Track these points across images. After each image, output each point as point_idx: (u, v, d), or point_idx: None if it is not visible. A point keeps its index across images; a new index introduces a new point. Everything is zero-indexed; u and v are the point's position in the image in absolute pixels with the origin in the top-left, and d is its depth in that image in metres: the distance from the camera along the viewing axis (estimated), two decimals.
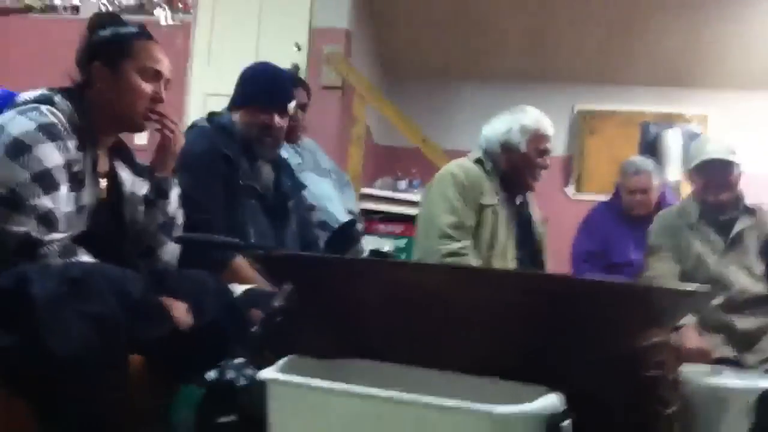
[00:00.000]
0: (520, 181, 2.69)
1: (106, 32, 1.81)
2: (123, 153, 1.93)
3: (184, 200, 2.06)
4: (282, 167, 2.53)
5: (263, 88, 2.37)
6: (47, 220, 1.56)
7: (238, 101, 2.40)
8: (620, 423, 0.98)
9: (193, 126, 2.43)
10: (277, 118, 2.36)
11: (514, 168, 2.69)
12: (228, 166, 2.26)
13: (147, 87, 1.79)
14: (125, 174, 1.90)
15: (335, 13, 4.54)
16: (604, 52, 5.29)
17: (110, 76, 1.77)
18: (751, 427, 0.99)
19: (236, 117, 2.37)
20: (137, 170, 1.95)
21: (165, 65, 1.83)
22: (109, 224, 1.82)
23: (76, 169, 1.68)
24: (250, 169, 2.35)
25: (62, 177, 1.62)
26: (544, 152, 2.70)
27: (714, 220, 2.85)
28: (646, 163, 3.76)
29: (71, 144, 1.66)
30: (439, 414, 0.77)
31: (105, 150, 1.84)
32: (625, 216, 3.72)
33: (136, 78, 1.78)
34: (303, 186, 2.71)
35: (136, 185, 1.91)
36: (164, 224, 1.88)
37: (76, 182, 1.68)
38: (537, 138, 2.68)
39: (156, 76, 1.81)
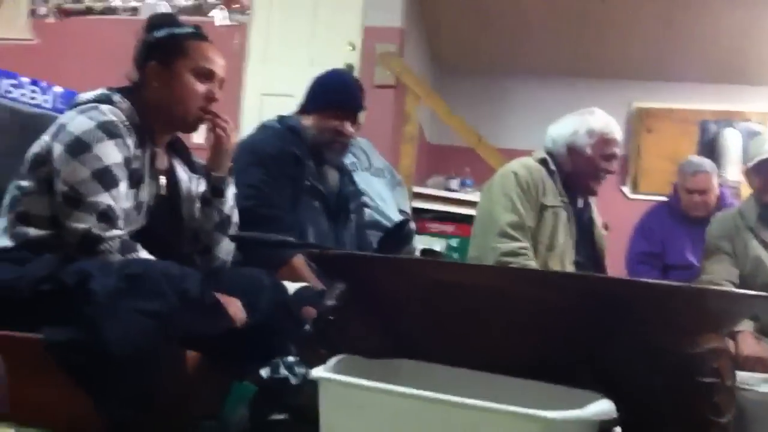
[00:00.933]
0: (584, 184, 2.65)
1: (161, 32, 1.84)
2: (180, 151, 1.97)
3: (256, 194, 2.12)
4: (344, 172, 2.58)
5: (338, 95, 2.42)
6: (107, 217, 1.60)
7: (311, 106, 2.44)
8: (672, 431, 0.96)
9: (263, 126, 2.49)
10: (348, 125, 2.40)
11: (578, 171, 2.65)
12: (296, 166, 2.32)
13: (200, 87, 1.81)
14: (182, 172, 1.94)
15: (388, 12, 4.55)
16: (660, 48, 5.19)
17: (165, 75, 1.80)
18: None
19: (307, 121, 2.42)
20: (194, 168, 1.98)
21: (219, 65, 1.86)
22: (167, 221, 1.86)
23: (135, 166, 1.72)
24: (316, 171, 2.40)
25: (122, 174, 1.66)
26: (611, 157, 2.64)
27: None
28: (705, 163, 3.68)
29: (130, 142, 1.70)
30: (490, 417, 0.77)
31: (163, 148, 1.88)
32: (683, 217, 3.65)
33: (190, 78, 1.80)
34: (362, 192, 2.75)
35: (193, 183, 1.95)
36: (220, 222, 1.91)
37: (135, 179, 1.72)
38: (604, 142, 2.63)
39: (210, 76, 1.83)
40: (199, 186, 1.95)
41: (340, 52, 4.53)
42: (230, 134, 1.90)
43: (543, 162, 2.65)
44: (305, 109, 2.45)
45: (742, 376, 1.27)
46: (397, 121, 4.43)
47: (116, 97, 1.75)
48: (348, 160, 3.09)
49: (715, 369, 0.97)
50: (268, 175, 2.23)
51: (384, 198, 3.11)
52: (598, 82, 5.46)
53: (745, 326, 2.60)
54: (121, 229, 1.63)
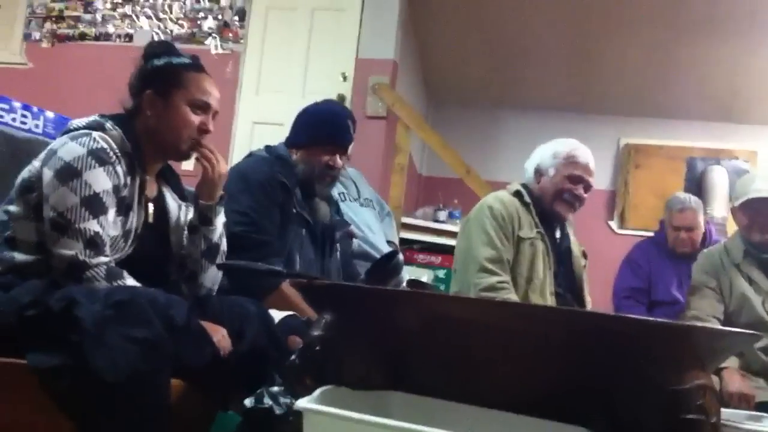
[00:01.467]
0: (551, 208, 2.66)
1: (159, 61, 1.85)
2: (170, 178, 1.97)
3: (246, 220, 2.13)
4: (330, 202, 2.58)
5: (328, 130, 2.42)
6: (94, 244, 1.60)
7: (300, 141, 2.44)
8: None
9: (251, 154, 2.50)
10: (337, 159, 2.41)
11: (544, 193, 2.67)
12: (284, 193, 2.32)
13: (195, 118, 1.82)
14: (171, 200, 1.94)
15: (382, 44, 4.60)
16: (650, 85, 5.26)
17: (161, 105, 1.81)
18: None
19: (296, 156, 2.42)
20: (183, 196, 1.99)
21: (214, 98, 1.87)
22: (155, 249, 1.86)
23: (124, 193, 1.72)
24: (303, 201, 2.40)
25: (110, 201, 1.66)
26: (576, 179, 2.65)
27: (760, 260, 2.80)
28: (691, 200, 3.71)
29: (120, 169, 1.70)
30: None
31: (153, 175, 1.89)
32: (670, 253, 3.67)
33: (185, 109, 1.81)
34: (347, 222, 2.76)
35: (181, 211, 1.95)
36: (207, 250, 1.91)
37: (124, 207, 1.72)
38: (568, 164, 2.65)
39: (205, 108, 1.84)
40: (188, 214, 1.95)
41: (332, 83, 4.57)
42: (216, 164, 1.90)
43: (517, 194, 2.68)
44: (294, 143, 2.45)
45: (726, 412, 1.27)
46: (388, 152, 4.46)
47: (108, 124, 1.75)
48: (337, 189, 3.09)
49: (700, 405, 0.97)
50: (257, 202, 2.24)
51: (372, 228, 3.12)
52: (589, 118, 5.52)
53: (731, 363, 2.61)
54: (107, 256, 1.62)
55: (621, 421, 0.97)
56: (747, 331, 1.12)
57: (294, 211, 2.33)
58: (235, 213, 2.17)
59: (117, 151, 1.71)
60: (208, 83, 1.87)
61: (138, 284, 1.63)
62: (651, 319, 1.13)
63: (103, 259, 1.60)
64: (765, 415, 1.58)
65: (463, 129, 5.69)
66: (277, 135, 2.64)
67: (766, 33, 4.59)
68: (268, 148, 2.50)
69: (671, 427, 0.96)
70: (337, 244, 2.52)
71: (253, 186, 2.26)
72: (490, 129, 5.81)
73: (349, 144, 2.48)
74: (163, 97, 1.81)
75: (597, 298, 3.44)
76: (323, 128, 2.42)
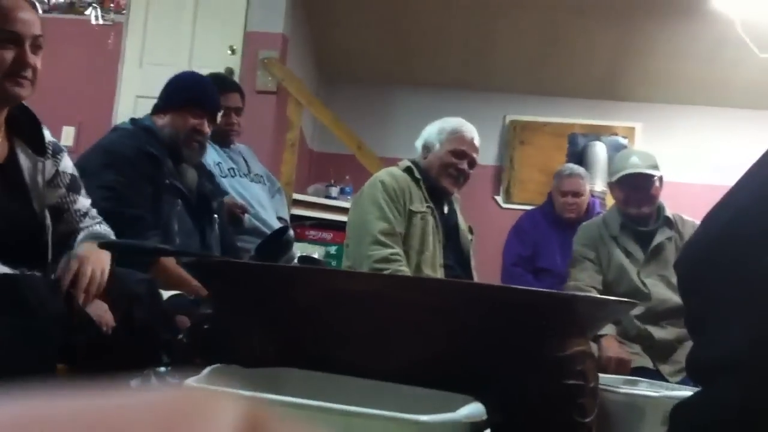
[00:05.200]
0: (437, 183, 2.74)
1: None
2: (24, 126, 1.72)
3: (113, 195, 2.07)
4: (203, 172, 2.57)
5: (197, 94, 2.42)
6: None
7: (166, 105, 2.42)
8: (540, 431, 1.00)
9: (115, 128, 2.45)
10: (205, 124, 2.40)
11: (430, 168, 2.74)
12: (153, 165, 2.28)
13: (6, 53, 1.59)
14: (25, 160, 1.72)
15: (271, 17, 4.52)
16: (536, 64, 5.41)
17: None
18: None
19: (162, 121, 2.40)
20: (42, 147, 1.74)
21: (25, 22, 1.62)
22: (15, 219, 1.67)
23: None
24: (174, 169, 2.37)
25: None
26: (461, 155, 2.74)
27: (635, 232, 2.94)
28: (580, 169, 3.90)
29: None
30: (366, 423, 0.78)
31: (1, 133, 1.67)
32: (556, 221, 3.83)
33: None
34: (224, 192, 2.76)
35: (38, 169, 1.73)
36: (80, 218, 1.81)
37: None
38: (453, 139, 2.74)
39: (15, 39, 1.60)
40: (46, 167, 1.73)
41: (220, 56, 4.46)
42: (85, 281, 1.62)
43: (408, 170, 2.74)
44: (160, 108, 2.43)
45: (604, 378, 1.33)
46: (279, 128, 4.41)
47: None
48: (227, 165, 3.05)
49: (580, 371, 1.02)
50: (124, 175, 2.18)
51: (263, 204, 3.09)
52: (477, 95, 5.63)
53: (609, 330, 2.74)
54: None
55: (507, 388, 1.01)
56: (624, 299, 1.18)
57: (166, 182, 2.30)
58: (101, 189, 2.09)
59: None
60: (17, 10, 1.61)
61: (6, 268, 1.51)
62: (535, 289, 1.17)
63: None
64: (640, 379, 1.67)
65: (355, 105, 5.69)
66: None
67: (645, 14, 4.80)
68: (132, 120, 2.46)
69: (553, 392, 1.00)
70: (215, 215, 2.51)
71: (118, 160, 2.19)
72: (381, 105, 5.83)
73: (217, 111, 2.48)
74: None
75: (487, 269, 3.54)
76: (190, 92, 2.41)
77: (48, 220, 1.75)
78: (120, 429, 0.13)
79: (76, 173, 1.84)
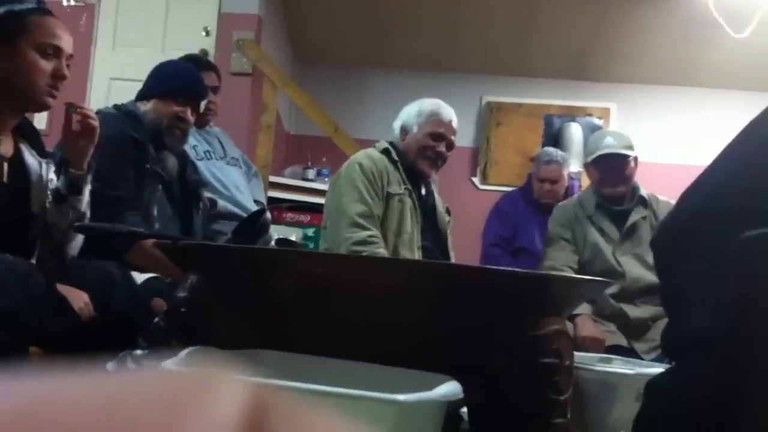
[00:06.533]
0: (414, 165, 2.74)
1: (0, 10, 1.74)
2: (28, 134, 1.87)
3: (96, 177, 2.07)
4: (187, 160, 2.57)
5: (183, 82, 2.43)
6: None
7: (153, 91, 2.42)
8: (517, 409, 1.01)
9: (98, 112, 2.42)
10: (188, 112, 2.40)
11: (408, 150, 2.74)
12: (136, 149, 2.29)
13: (46, 64, 1.73)
14: (30, 157, 1.84)
15: None
16: (511, 45, 5.41)
17: (6, 54, 1.70)
18: (640, 413, 1.04)
19: (145, 107, 2.40)
20: (44, 152, 1.89)
21: (65, 41, 1.78)
22: (13, 211, 1.76)
23: None
24: (156, 155, 2.37)
25: None
26: (439, 137, 2.74)
27: (610, 212, 2.97)
28: (559, 155, 3.93)
29: None
30: (345, 403, 0.79)
31: (8, 133, 1.77)
32: (535, 204, 3.86)
33: (34, 55, 1.72)
34: (206, 183, 2.78)
35: (42, 168, 1.85)
36: (75, 220, 1.83)
37: None
38: (431, 122, 2.74)
39: (56, 52, 1.75)
40: (50, 171, 1.86)
41: (194, 38, 4.41)
42: (95, 125, 1.83)
43: (385, 152, 2.74)
44: (144, 94, 2.44)
45: (579, 356, 1.35)
46: (254, 110, 4.38)
47: None
48: (203, 147, 3.03)
49: (556, 350, 1.03)
50: (107, 158, 2.18)
51: (240, 187, 3.07)
52: (453, 77, 5.62)
53: (584, 309, 2.77)
54: None
55: (483, 367, 1.02)
56: (598, 278, 1.19)
57: (147, 166, 2.30)
58: None
59: None
60: (56, 26, 1.77)
61: None
62: (511, 269, 1.18)
63: None
64: (615, 357, 1.69)
65: (331, 87, 5.66)
66: (137, 92, 2.56)
67: None
68: (116, 106, 2.47)
69: (530, 370, 1.02)
70: (200, 204, 2.52)
71: (103, 142, 2.20)
72: (358, 87, 5.81)
73: (202, 99, 2.49)
74: (8, 46, 1.70)
75: (464, 250, 3.56)
76: (175, 79, 2.42)
77: (43, 215, 1.83)
78: (126, 411, 0.13)
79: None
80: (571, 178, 4.10)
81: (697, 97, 5.60)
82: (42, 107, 1.82)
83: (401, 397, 0.77)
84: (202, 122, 3.10)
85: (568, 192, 3.88)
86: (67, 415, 0.12)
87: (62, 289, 1.56)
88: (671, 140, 5.53)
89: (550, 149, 4.16)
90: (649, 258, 2.89)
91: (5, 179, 1.74)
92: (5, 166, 1.75)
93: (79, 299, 1.58)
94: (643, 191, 3.00)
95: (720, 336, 0.88)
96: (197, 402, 0.13)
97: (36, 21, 1.75)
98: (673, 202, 1.12)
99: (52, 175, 1.87)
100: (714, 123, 5.30)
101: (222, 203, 2.91)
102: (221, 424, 0.13)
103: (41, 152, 1.89)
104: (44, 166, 1.87)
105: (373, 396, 0.78)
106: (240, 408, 0.13)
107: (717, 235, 0.91)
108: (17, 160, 1.80)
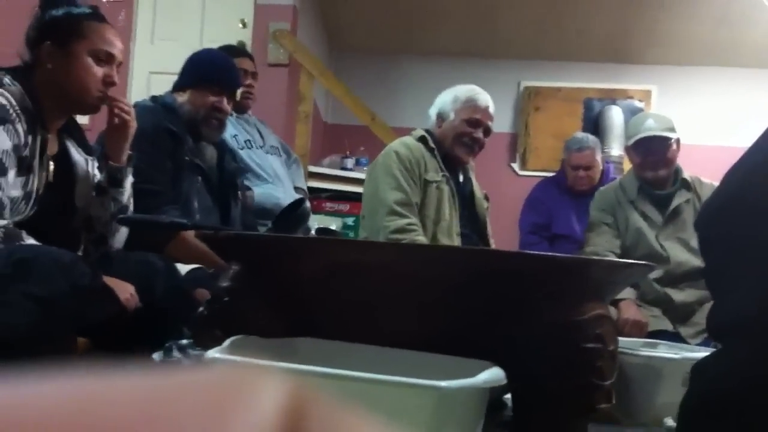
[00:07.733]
0: (451, 152, 2.72)
1: (58, 12, 1.76)
2: (74, 132, 1.90)
3: (134, 172, 2.09)
4: (225, 150, 2.57)
5: (218, 71, 2.42)
6: None
7: (186, 82, 2.42)
8: (559, 395, 1.01)
9: (135, 105, 2.45)
10: (224, 102, 2.39)
11: (444, 137, 2.72)
12: (173, 141, 2.29)
13: (99, 70, 1.76)
14: (77, 154, 1.87)
15: None
16: (548, 28, 5.34)
17: (61, 57, 1.73)
18: (686, 397, 1.03)
19: (182, 98, 2.40)
20: (89, 149, 1.93)
21: (117, 48, 1.81)
22: (59, 207, 1.80)
23: (24, 153, 1.64)
24: (194, 146, 2.38)
25: (11, 162, 1.59)
26: (476, 123, 2.71)
27: (652, 195, 2.92)
28: (590, 139, 3.84)
29: (20, 128, 1.63)
30: (385, 390, 0.79)
31: (55, 132, 1.81)
32: (569, 191, 3.81)
33: (88, 60, 1.75)
34: (245, 171, 2.77)
35: (89, 164, 1.89)
36: (117, 212, 1.86)
37: (25, 167, 1.65)
38: (467, 108, 2.71)
39: (108, 59, 1.78)
40: (95, 168, 1.89)
41: (231, 30, 4.44)
42: (132, 120, 1.86)
43: (422, 139, 2.72)
44: (180, 85, 2.44)
45: (624, 341, 1.34)
46: (291, 100, 4.39)
47: (6, 79, 1.66)
48: (243, 137, 3.05)
49: (598, 335, 1.02)
50: (144, 152, 2.19)
51: (280, 176, 3.08)
52: (490, 63, 5.57)
53: (627, 294, 2.74)
54: (5, 219, 1.56)
55: (526, 353, 1.01)
56: (639, 262, 1.18)
57: (186, 158, 2.31)
58: None
59: (17, 108, 1.63)
60: (110, 33, 1.81)
61: (39, 243, 1.57)
62: (551, 254, 1.17)
63: (0, 222, 1.53)
64: (660, 342, 1.67)
65: (366, 76, 5.65)
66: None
67: None
68: (153, 97, 2.47)
69: (572, 356, 1.01)
70: (239, 194, 2.53)
71: (138, 135, 2.21)
72: (393, 76, 5.79)
73: (237, 87, 2.48)
74: (64, 48, 1.73)
75: (504, 236, 3.54)
76: (210, 69, 2.41)
77: (86, 209, 1.86)
78: (172, 407, 0.13)
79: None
80: (606, 162, 4.02)
81: (739, 78, 5.48)
82: (91, 111, 1.85)
83: (443, 383, 0.77)
84: (241, 107, 3.11)
85: (604, 178, 3.81)
86: (116, 410, 0.13)
87: (108, 280, 1.59)
88: (713, 121, 5.42)
89: (580, 134, 4.07)
90: (693, 242, 2.84)
91: (51, 178, 1.77)
92: (51, 165, 1.78)
93: (125, 290, 1.61)
94: (686, 174, 2.94)
95: (754, 318, 0.87)
96: (241, 399, 0.13)
97: (92, 26, 1.78)
98: (717, 184, 1.10)
99: (97, 171, 1.90)
100: (757, 103, 5.18)
101: (258, 193, 2.92)
102: (261, 423, 0.13)
103: (87, 149, 1.93)
104: (90, 162, 1.90)
105: (413, 382, 0.78)
106: (280, 405, 0.13)
107: (755, 217, 0.90)
108: (64, 159, 1.84)
